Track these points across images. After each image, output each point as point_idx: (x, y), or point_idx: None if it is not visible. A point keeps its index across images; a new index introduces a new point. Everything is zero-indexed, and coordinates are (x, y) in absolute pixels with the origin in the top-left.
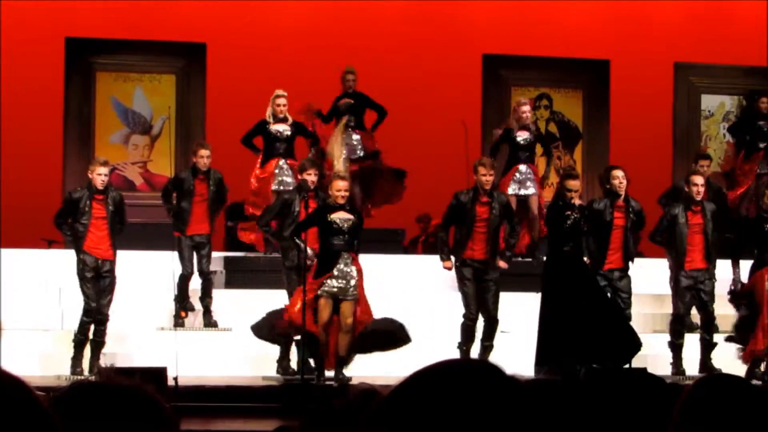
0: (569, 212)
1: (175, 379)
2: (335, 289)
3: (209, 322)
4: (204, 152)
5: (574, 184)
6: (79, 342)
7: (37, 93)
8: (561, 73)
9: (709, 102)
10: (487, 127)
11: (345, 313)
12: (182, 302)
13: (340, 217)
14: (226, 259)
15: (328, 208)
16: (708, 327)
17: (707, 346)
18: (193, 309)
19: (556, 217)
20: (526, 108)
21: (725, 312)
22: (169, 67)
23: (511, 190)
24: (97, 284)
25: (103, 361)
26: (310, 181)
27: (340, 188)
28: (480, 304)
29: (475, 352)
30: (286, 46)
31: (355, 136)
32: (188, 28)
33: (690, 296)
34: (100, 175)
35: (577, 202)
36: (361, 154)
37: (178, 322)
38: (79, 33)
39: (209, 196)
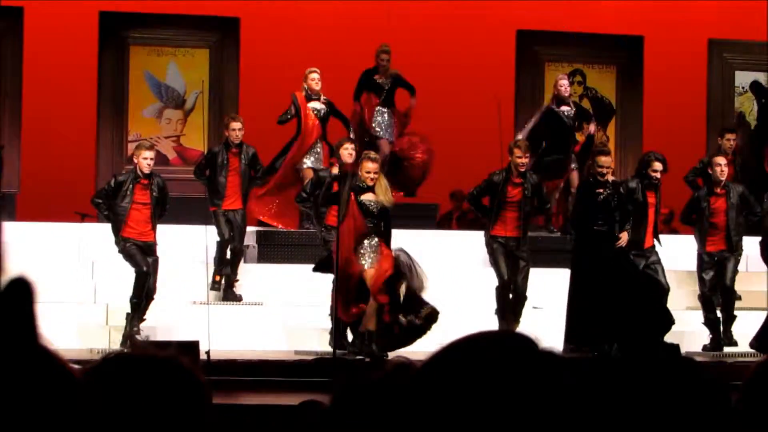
0: (600, 189)
1: (208, 353)
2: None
3: (232, 296)
4: (236, 125)
5: (606, 160)
6: (136, 305)
7: (71, 67)
8: (595, 49)
9: (742, 79)
10: (520, 102)
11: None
12: (219, 267)
13: (369, 198)
14: (259, 234)
15: (357, 190)
16: (728, 307)
17: (727, 321)
18: (228, 274)
19: (587, 194)
20: (564, 82)
21: (749, 289)
22: (203, 41)
23: None
24: (144, 256)
25: (140, 334)
26: (347, 154)
27: (369, 170)
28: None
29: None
30: (320, 20)
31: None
32: (222, 2)
33: (711, 277)
34: (146, 159)
35: (609, 178)
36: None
37: (214, 286)
38: (113, 7)
39: (241, 170)
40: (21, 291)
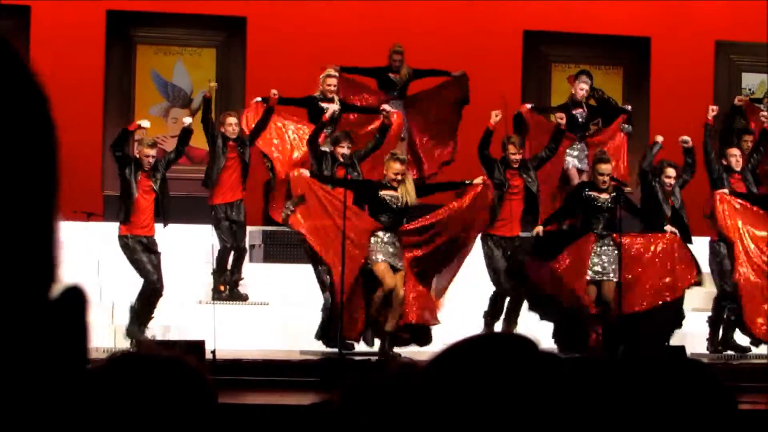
0: (594, 193)
1: (213, 352)
2: (390, 255)
3: (238, 296)
4: (231, 120)
5: (605, 168)
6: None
7: (78, 66)
8: (602, 50)
9: (749, 80)
10: (527, 103)
11: (398, 284)
12: (221, 276)
13: (390, 194)
14: (265, 233)
15: (381, 186)
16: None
17: (731, 323)
18: (230, 281)
19: (581, 199)
20: (585, 86)
21: None
22: (210, 40)
23: (570, 164)
24: (150, 257)
25: (149, 334)
26: (341, 154)
27: (397, 171)
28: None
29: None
30: (327, 20)
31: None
32: (229, 1)
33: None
34: (147, 156)
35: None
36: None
37: (217, 296)
38: (120, 6)
39: (240, 162)
40: (74, 302)
